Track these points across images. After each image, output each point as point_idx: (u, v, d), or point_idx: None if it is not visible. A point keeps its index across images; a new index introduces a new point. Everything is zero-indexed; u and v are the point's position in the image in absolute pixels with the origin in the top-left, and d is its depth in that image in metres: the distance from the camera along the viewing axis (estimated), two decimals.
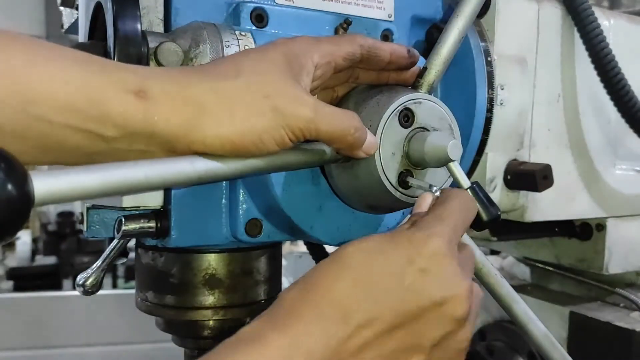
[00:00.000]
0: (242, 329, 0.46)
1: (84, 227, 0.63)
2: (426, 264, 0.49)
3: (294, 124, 0.52)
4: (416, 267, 0.48)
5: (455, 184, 0.59)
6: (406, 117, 0.60)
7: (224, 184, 0.65)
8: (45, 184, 0.40)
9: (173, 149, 0.49)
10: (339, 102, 0.64)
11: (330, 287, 0.47)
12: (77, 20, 0.78)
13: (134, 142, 0.48)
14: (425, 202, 0.55)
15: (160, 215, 0.63)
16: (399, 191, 0.59)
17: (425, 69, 0.63)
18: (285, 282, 3.30)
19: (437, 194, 0.55)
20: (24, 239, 4.21)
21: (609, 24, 0.86)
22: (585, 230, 0.97)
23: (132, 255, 0.73)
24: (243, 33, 0.61)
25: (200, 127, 0.49)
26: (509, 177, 0.77)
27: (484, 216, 0.57)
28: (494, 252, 1.30)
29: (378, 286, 0.48)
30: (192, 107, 0.48)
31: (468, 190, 0.57)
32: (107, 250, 0.73)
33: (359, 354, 0.47)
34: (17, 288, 3.66)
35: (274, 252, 0.71)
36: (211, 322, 0.68)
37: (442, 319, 0.49)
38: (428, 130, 0.60)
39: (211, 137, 0.49)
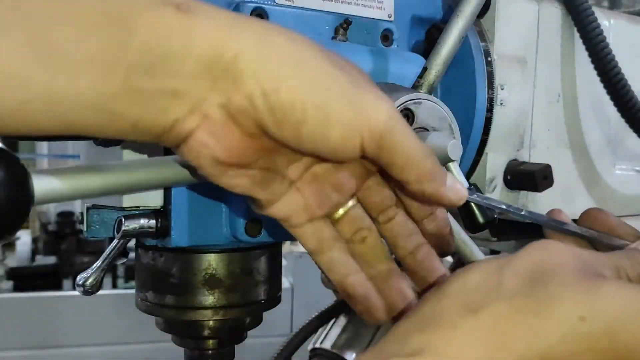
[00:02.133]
0: None
1: (84, 227, 0.63)
2: None
3: (374, 125, 0.41)
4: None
5: None
6: (406, 117, 0.60)
7: None
8: (45, 182, 0.41)
9: (215, 77, 0.40)
10: None
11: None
12: None
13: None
14: None
15: (160, 215, 0.63)
16: None
17: (425, 69, 0.63)
18: (286, 282, 3.30)
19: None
20: (24, 239, 4.20)
21: (609, 24, 0.86)
22: None
23: (132, 255, 0.73)
24: None
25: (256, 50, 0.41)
26: (509, 177, 0.77)
27: (480, 219, 0.58)
28: (493, 252, 1.29)
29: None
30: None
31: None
32: (107, 250, 0.73)
33: None
34: (17, 288, 3.66)
35: (274, 252, 0.71)
36: (211, 322, 0.68)
37: None
38: (428, 131, 0.60)
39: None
